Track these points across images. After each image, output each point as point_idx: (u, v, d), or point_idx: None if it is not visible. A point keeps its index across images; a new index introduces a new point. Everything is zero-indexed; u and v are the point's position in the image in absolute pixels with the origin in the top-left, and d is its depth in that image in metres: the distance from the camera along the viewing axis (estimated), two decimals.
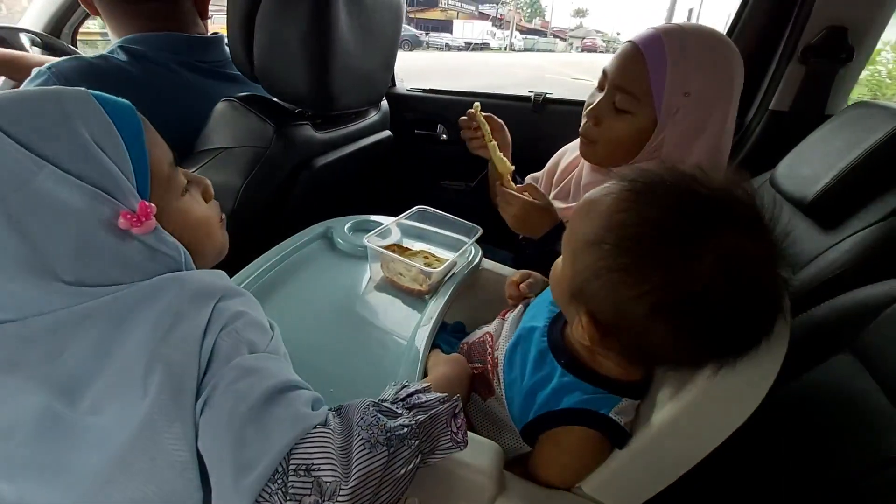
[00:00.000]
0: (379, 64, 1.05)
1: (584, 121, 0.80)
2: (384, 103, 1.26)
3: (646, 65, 0.70)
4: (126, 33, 0.93)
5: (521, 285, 0.71)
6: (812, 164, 0.86)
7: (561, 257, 0.53)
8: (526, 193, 0.79)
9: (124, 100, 0.42)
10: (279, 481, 0.34)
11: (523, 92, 1.44)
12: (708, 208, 0.41)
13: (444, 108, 1.51)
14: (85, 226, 0.37)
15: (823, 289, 0.72)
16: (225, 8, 0.86)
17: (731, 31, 1.15)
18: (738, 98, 0.74)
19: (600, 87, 0.78)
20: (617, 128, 0.75)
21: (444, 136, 1.56)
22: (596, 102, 0.77)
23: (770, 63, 1.13)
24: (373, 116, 1.18)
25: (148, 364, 0.36)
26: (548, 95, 1.40)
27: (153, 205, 0.41)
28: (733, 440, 0.46)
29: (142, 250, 0.40)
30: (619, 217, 0.43)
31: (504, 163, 0.83)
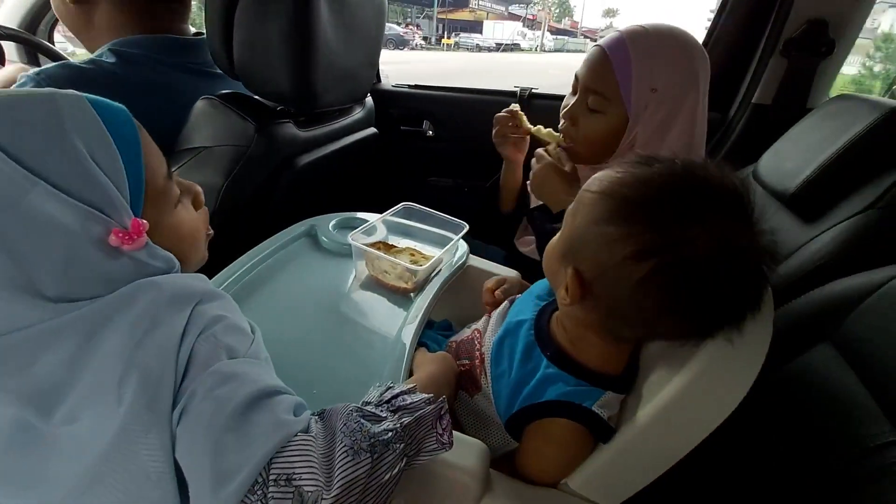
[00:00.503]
0: (363, 61, 1.04)
1: (561, 122, 0.83)
2: (369, 100, 1.25)
3: (612, 66, 0.74)
4: (119, 34, 0.91)
5: (497, 291, 0.71)
6: (794, 158, 0.87)
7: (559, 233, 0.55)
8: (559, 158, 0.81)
9: (120, 105, 0.41)
10: (259, 492, 0.33)
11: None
12: (707, 189, 0.44)
13: (430, 103, 1.50)
14: (74, 244, 0.36)
15: (805, 280, 0.73)
16: None
17: (713, 26, 1.16)
18: (706, 91, 0.77)
19: (574, 91, 0.82)
20: (591, 127, 0.78)
21: (430, 132, 1.55)
22: (571, 105, 0.81)
23: (752, 57, 1.13)
24: (357, 113, 1.17)
25: (123, 372, 0.35)
26: (533, 90, 1.40)
27: (146, 221, 0.39)
28: (719, 431, 0.47)
29: (130, 266, 0.39)
30: (627, 178, 0.47)
31: (553, 134, 0.85)
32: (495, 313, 0.67)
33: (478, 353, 0.63)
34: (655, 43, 0.74)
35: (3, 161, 0.33)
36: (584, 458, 0.52)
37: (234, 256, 0.72)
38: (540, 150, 0.81)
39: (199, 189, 0.50)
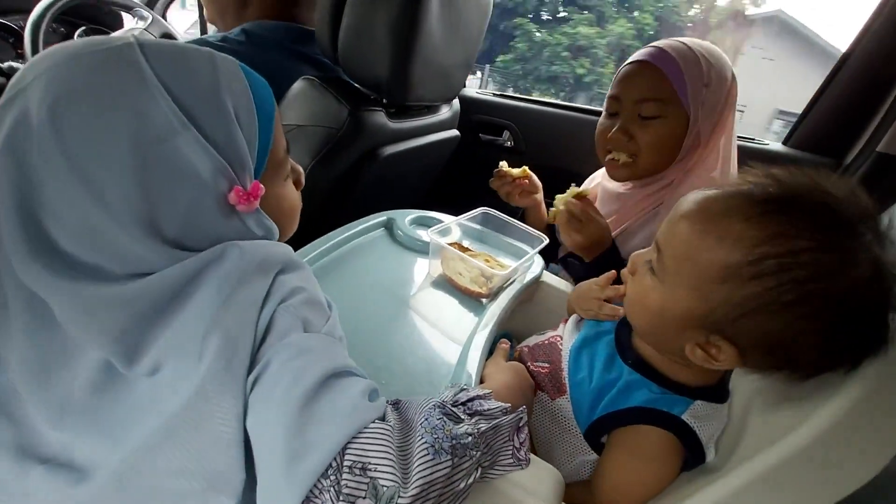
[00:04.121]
0: (460, 61, 1.03)
1: (608, 146, 0.83)
2: (456, 102, 1.24)
3: (661, 70, 0.75)
4: (264, 15, 0.97)
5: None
6: None
7: (643, 281, 0.49)
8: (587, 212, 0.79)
9: (263, 79, 0.43)
10: (332, 477, 0.30)
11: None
12: (846, 217, 0.40)
13: (514, 114, 1.47)
14: (201, 194, 0.36)
15: None
16: None
17: (842, 62, 1.05)
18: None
19: (610, 115, 0.83)
20: (654, 134, 0.78)
21: (510, 143, 1.52)
22: (619, 124, 0.80)
23: (884, 100, 1.02)
24: (444, 113, 1.16)
25: (207, 329, 0.34)
26: None
27: (263, 186, 0.40)
28: None
29: (238, 227, 0.40)
30: (767, 249, 0.40)
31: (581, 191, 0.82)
32: (569, 322, 0.65)
33: (563, 355, 0.61)
34: (693, 45, 0.77)
35: (164, 100, 0.34)
36: (672, 477, 0.49)
37: (310, 238, 0.71)
38: (553, 209, 0.81)
39: (302, 170, 0.52)
